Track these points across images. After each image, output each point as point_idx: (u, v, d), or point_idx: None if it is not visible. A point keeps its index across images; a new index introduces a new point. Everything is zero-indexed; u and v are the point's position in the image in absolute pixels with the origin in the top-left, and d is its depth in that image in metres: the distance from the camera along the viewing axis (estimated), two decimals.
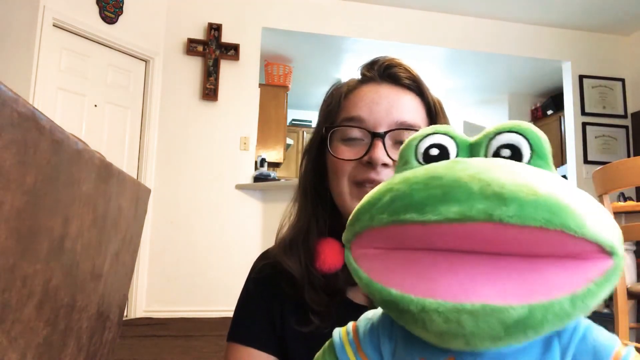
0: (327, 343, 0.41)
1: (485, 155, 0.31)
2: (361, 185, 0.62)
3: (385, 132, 0.61)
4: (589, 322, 0.32)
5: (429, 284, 0.27)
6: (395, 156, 0.60)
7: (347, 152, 0.63)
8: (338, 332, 0.40)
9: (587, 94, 4.22)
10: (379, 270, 0.30)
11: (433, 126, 0.35)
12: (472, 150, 0.33)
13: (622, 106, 4.28)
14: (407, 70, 0.67)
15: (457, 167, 0.26)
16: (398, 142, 0.62)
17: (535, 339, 0.30)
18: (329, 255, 0.61)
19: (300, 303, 0.62)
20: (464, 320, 0.26)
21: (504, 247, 0.26)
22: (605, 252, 0.26)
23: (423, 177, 0.27)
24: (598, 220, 0.26)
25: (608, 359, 0.29)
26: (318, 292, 0.62)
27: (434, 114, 0.67)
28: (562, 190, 0.25)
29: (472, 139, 0.33)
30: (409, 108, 0.64)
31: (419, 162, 0.33)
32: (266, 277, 0.67)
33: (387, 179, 0.61)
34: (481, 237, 0.26)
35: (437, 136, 0.33)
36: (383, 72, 0.66)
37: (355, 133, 0.63)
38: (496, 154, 0.31)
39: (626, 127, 4.27)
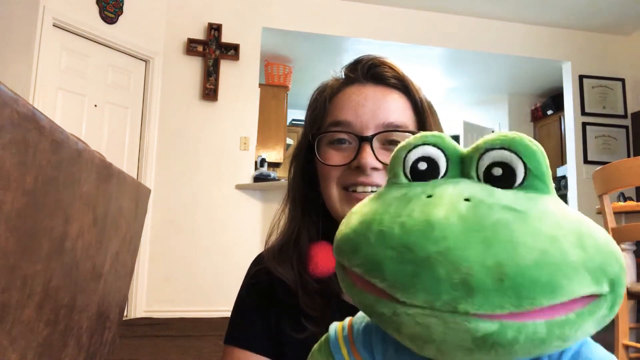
0: (323, 337, 0.41)
1: (477, 172, 0.30)
2: (352, 189, 0.61)
3: (373, 135, 0.60)
4: (586, 338, 0.30)
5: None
6: (384, 159, 0.59)
7: (335, 157, 0.62)
8: (334, 328, 0.40)
9: (587, 94, 4.22)
10: (362, 283, 0.30)
11: (422, 135, 0.33)
12: (462, 164, 0.31)
13: (622, 106, 4.28)
14: (391, 68, 0.65)
15: (431, 237, 0.25)
16: (387, 143, 0.61)
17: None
18: (322, 259, 0.60)
19: (295, 309, 0.61)
20: (432, 325, 0.25)
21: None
22: (585, 298, 0.25)
23: (398, 242, 0.27)
24: (582, 270, 0.24)
25: None
26: (312, 297, 0.61)
27: (422, 112, 0.65)
28: (540, 252, 0.24)
29: (463, 150, 0.32)
30: (395, 108, 0.63)
31: (407, 178, 0.32)
32: (261, 283, 0.66)
33: (377, 182, 0.59)
34: (454, 307, 0.26)
35: (426, 148, 0.32)
36: (367, 72, 0.65)
37: (343, 136, 0.62)
38: (488, 172, 0.29)
39: (626, 127, 4.27)
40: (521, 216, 0.26)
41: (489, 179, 0.29)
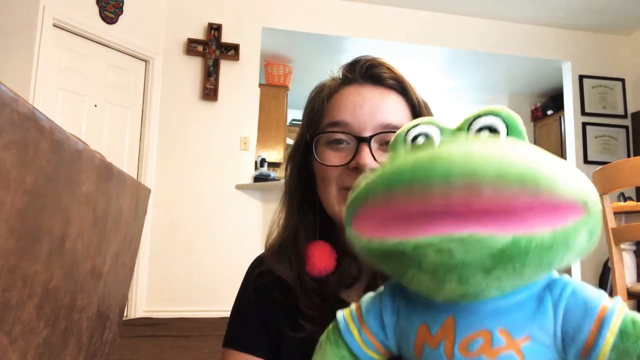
0: (330, 326, 0.42)
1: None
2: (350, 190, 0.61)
3: (371, 136, 0.60)
4: (579, 280, 0.35)
5: (422, 228, 0.29)
6: (382, 159, 0.60)
7: (333, 158, 0.62)
8: (342, 313, 0.42)
9: (587, 94, 4.22)
10: (377, 231, 0.31)
11: (418, 118, 0.38)
12: (455, 135, 0.37)
13: (622, 106, 4.28)
14: (389, 69, 0.65)
15: (438, 161, 0.29)
16: (384, 144, 0.61)
17: (527, 291, 0.33)
18: (319, 259, 0.61)
19: (294, 309, 0.61)
20: (454, 249, 0.28)
21: (488, 205, 0.28)
22: (579, 205, 0.29)
23: (409, 168, 0.29)
24: (568, 179, 0.29)
25: (597, 310, 0.32)
26: (311, 296, 0.62)
27: (419, 113, 0.65)
28: (534, 162, 0.28)
29: (454, 125, 0.37)
30: (393, 109, 0.63)
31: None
32: (261, 284, 0.66)
33: None
34: (466, 200, 0.28)
35: (421, 126, 0.37)
36: (365, 72, 0.64)
37: (341, 136, 0.62)
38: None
39: (626, 127, 4.27)
40: (510, 148, 0.30)
41: None
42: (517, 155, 0.28)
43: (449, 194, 0.27)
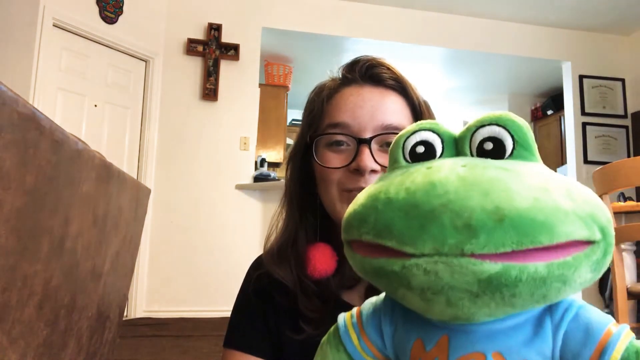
0: (332, 328, 0.42)
1: (470, 150, 0.33)
2: (351, 191, 0.60)
3: (371, 138, 0.60)
4: (584, 302, 0.32)
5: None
6: (382, 161, 0.59)
7: (333, 159, 0.61)
8: (343, 317, 0.41)
9: (587, 94, 4.22)
10: (369, 252, 0.32)
11: (418, 123, 0.36)
12: (457, 145, 0.34)
13: (622, 106, 4.28)
14: (389, 69, 0.64)
15: (434, 193, 0.28)
16: (385, 145, 0.61)
17: (524, 314, 0.31)
18: (320, 261, 0.60)
19: (294, 311, 0.61)
20: (440, 271, 0.27)
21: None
22: (581, 241, 0.27)
23: (404, 203, 0.29)
24: (574, 216, 0.27)
25: (600, 336, 0.30)
26: (311, 298, 0.61)
27: (420, 113, 0.65)
28: (534, 199, 0.26)
29: (457, 132, 0.34)
30: (393, 110, 0.62)
31: (407, 161, 0.35)
32: (261, 286, 0.66)
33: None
34: (459, 249, 0.28)
35: (423, 133, 0.35)
36: (365, 73, 0.64)
37: (341, 138, 0.62)
38: (480, 147, 0.32)
39: (626, 127, 4.26)
40: (513, 173, 0.28)
41: (482, 154, 0.32)
42: (516, 202, 0.26)
43: (441, 245, 0.27)
